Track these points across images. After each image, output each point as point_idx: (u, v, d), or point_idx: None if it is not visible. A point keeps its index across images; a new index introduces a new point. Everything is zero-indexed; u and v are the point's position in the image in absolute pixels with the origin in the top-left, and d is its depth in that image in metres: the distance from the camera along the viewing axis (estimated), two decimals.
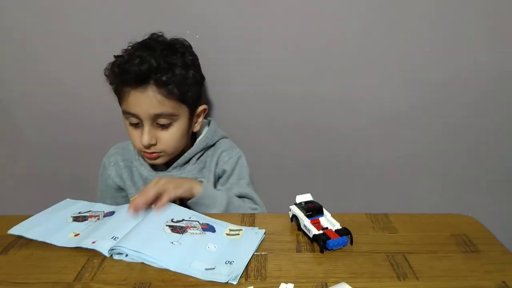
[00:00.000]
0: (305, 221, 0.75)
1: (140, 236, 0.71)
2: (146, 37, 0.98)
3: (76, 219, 0.81)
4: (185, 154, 1.02)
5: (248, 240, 0.74)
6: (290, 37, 1.11)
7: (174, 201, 0.84)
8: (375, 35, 1.11)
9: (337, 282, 0.63)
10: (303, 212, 0.77)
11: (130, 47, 0.95)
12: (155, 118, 0.92)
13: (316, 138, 1.25)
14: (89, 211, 0.84)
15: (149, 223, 0.76)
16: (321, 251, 0.71)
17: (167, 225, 0.76)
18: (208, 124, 1.10)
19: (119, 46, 1.12)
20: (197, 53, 1.03)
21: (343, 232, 0.73)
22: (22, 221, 0.81)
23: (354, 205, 1.27)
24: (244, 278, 0.64)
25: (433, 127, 1.23)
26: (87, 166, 1.30)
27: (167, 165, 1.04)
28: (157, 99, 0.90)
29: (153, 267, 0.67)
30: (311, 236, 0.74)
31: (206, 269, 0.65)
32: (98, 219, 0.80)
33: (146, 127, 0.92)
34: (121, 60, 0.91)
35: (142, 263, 0.68)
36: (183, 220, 0.78)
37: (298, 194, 0.82)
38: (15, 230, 0.77)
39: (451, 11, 1.08)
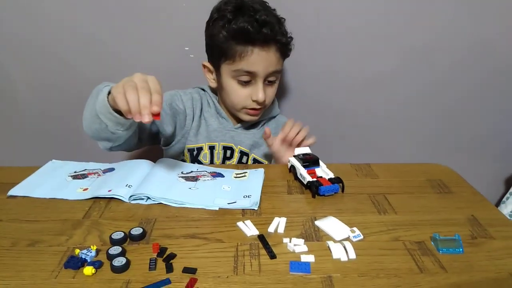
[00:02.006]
0: (301, 170, 0.81)
1: (160, 185, 0.77)
2: None
3: (76, 177, 0.83)
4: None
5: (255, 178, 0.83)
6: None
7: None
8: (360, 5, 1.17)
9: (325, 217, 0.70)
10: (300, 163, 0.83)
11: (230, 6, 0.94)
12: (268, 76, 0.97)
13: (304, 101, 1.31)
14: (85, 170, 0.87)
15: (161, 176, 0.82)
16: (313, 196, 0.77)
17: (179, 177, 0.82)
18: None
19: (112, 14, 1.14)
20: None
21: (336, 180, 0.79)
22: (22, 171, 0.84)
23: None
24: (241, 214, 0.71)
25: (412, 89, 1.31)
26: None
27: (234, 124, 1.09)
28: (276, 57, 0.96)
29: (157, 205, 0.73)
30: (305, 183, 0.80)
31: (228, 203, 0.73)
32: (99, 175, 0.84)
33: (260, 84, 0.97)
34: (247, 20, 0.91)
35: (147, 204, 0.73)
36: (191, 171, 0.85)
37: None
38: (15, 192, 0.77)
39: None
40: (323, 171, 0.83)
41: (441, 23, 1.20)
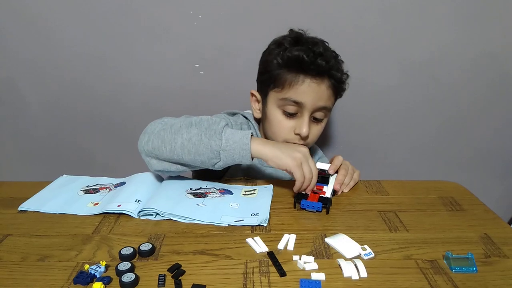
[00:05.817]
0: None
1: (168, 201, 0.77)
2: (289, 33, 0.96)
3: (88, 191, 0.84)
4: None
5: (264, 196, 0.83)
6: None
7: None
8: (368, 23, 1.19)
9: (335, 234, 0.69)
10: None
11: (289, 38, 0.93)
12: (315, 111, 0.92)
13: None
14: (97, 184, 0.87)
15: (170, 191, 0.82)
16: (327, 212, 0.77)
17: (188, 193, 0.82)
18: None
19: (120, 18, 1.16)
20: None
21: (323, 200, 0.78)
22: (33, 186, 0.85)
23: None
24: (250, 231, 0.70)
25: (420, 104, 1.30)
26: (93, 139, 1.34)
27: None
28: (327, 93, 0.91)
29: (166, 221, 0.73)
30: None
31: (235, 221, 0.73)
32: (110, 190, 0.84)
33: (306, 118, 0.91)
34: (303, 50, 0.88)
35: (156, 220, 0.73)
36: (200, 188, 0.85)
37: None
38: (25, 206, 0.77)
39: None
40: (328, 190, 0.82)
41: (445, 37, 1.21)
